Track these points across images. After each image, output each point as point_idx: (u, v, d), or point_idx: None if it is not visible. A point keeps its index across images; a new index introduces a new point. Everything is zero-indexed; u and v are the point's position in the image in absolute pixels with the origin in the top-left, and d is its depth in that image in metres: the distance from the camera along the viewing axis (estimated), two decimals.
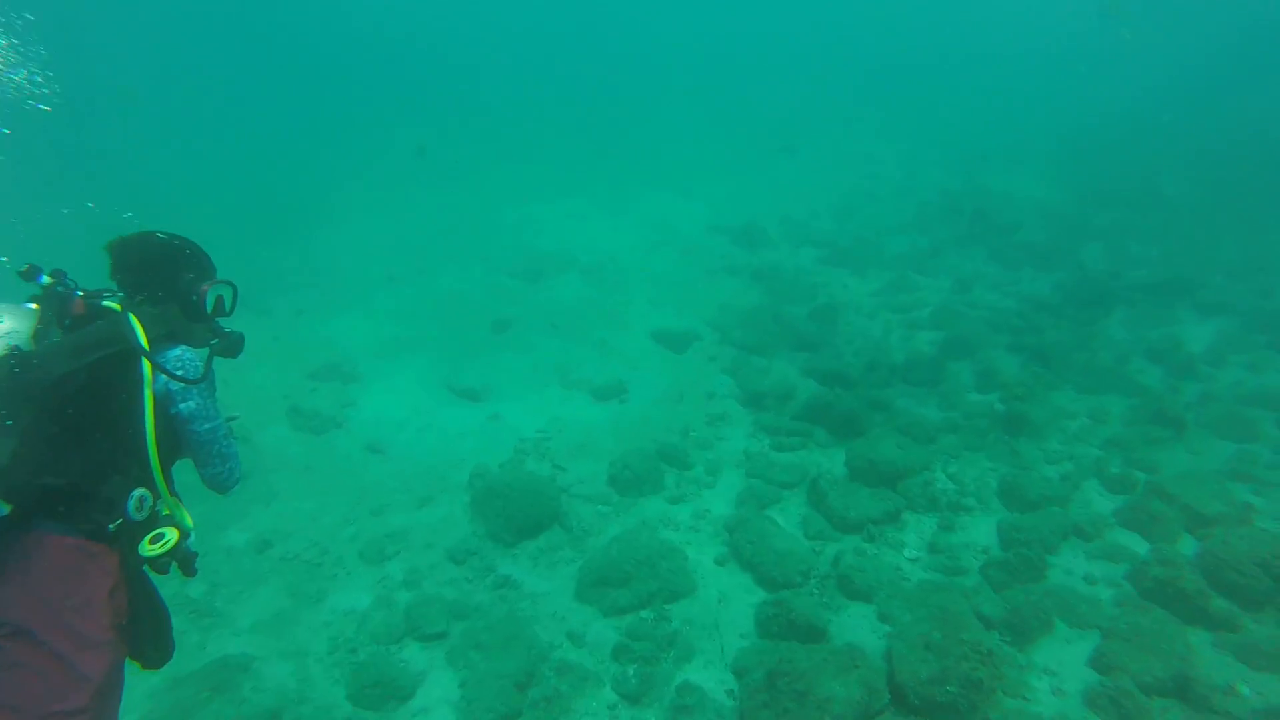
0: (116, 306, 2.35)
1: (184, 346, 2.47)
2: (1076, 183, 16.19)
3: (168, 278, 2.61)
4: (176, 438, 2.47)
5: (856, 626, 5.03)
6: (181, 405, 2.43)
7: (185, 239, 2.73)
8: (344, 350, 9.86)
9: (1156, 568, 5.03)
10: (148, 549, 2.23)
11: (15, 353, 2.07)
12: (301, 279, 12.42)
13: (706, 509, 6.49)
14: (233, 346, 2.69)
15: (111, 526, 2.14)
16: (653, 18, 43.76)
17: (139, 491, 2.24)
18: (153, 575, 2.37)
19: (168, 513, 2.39)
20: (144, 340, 2.26)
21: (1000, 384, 7.82)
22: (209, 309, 2.72)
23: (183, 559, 2.36)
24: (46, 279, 2.39)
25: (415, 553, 6.28)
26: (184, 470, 2.61)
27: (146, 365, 2.26)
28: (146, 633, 2.31)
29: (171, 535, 2.28)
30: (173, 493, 2.40)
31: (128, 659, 2.25)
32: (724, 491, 6.73)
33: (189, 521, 2.45)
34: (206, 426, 2.49)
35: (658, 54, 37.45)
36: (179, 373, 2.37)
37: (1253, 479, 6.10)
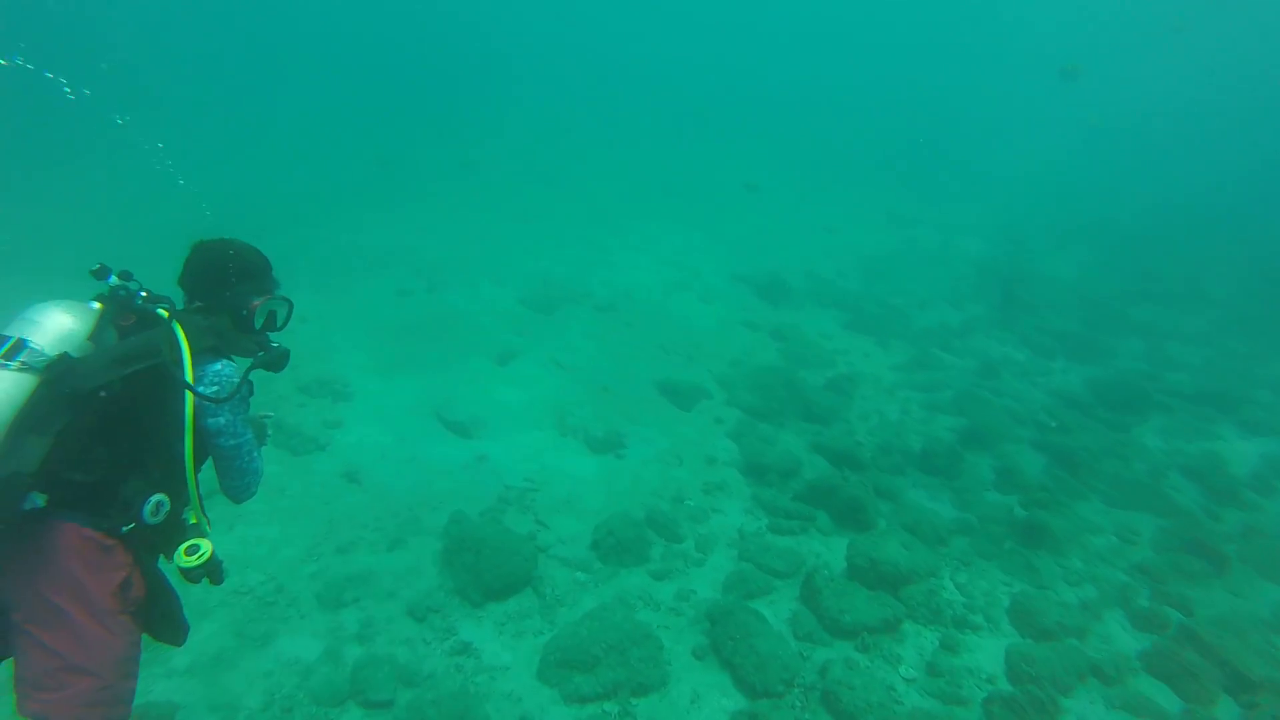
0: (166, 315, 2.43)
1: (224, 361, 2.53)
2: (1119, 272, 15.67)
3: (222, 287, 2.69)
4: (203, 447, 2.53)
5: None
6: (210, 420, 2.49)
7: (252, 250, 2.82)
8: (341, 365, 9.52)
9: None
10: (184, 560, 2.42)
11: (62, 360, 2.19)
12: (309, 281, 12.15)
13: (692, 589, 6.00)
14: (276, 361, 2.76)
15: (125, 529, 2.28)
16: (699, 58, 44.30)
17: (157, 496, 2.35)
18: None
19: (195, 520, 2.55)
20: (187, 355, 2.35)
21: (1021, 486, 7.31)
22: (258, 325, 2.81)
23: (213, 569, 2.51)
24: (115, 279, 2.52)
25: (375, 602, 5.83)
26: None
27: (188, 377, 2.34)
28: (161, 618, 2.47)
29: (206, 549, 2.47)
30: (200, 500, 2.50)
31: (152, 640, 2.48)
32: (712, 572, 6.23)
33: (207, 526, 2.59)
34: (232, 443, 2.56)
35: (700, 89, 37.76)
36: (214, 389, 2.45)
37: None
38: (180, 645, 2.62)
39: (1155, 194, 22.11)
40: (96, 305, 2.42)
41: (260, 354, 2.71)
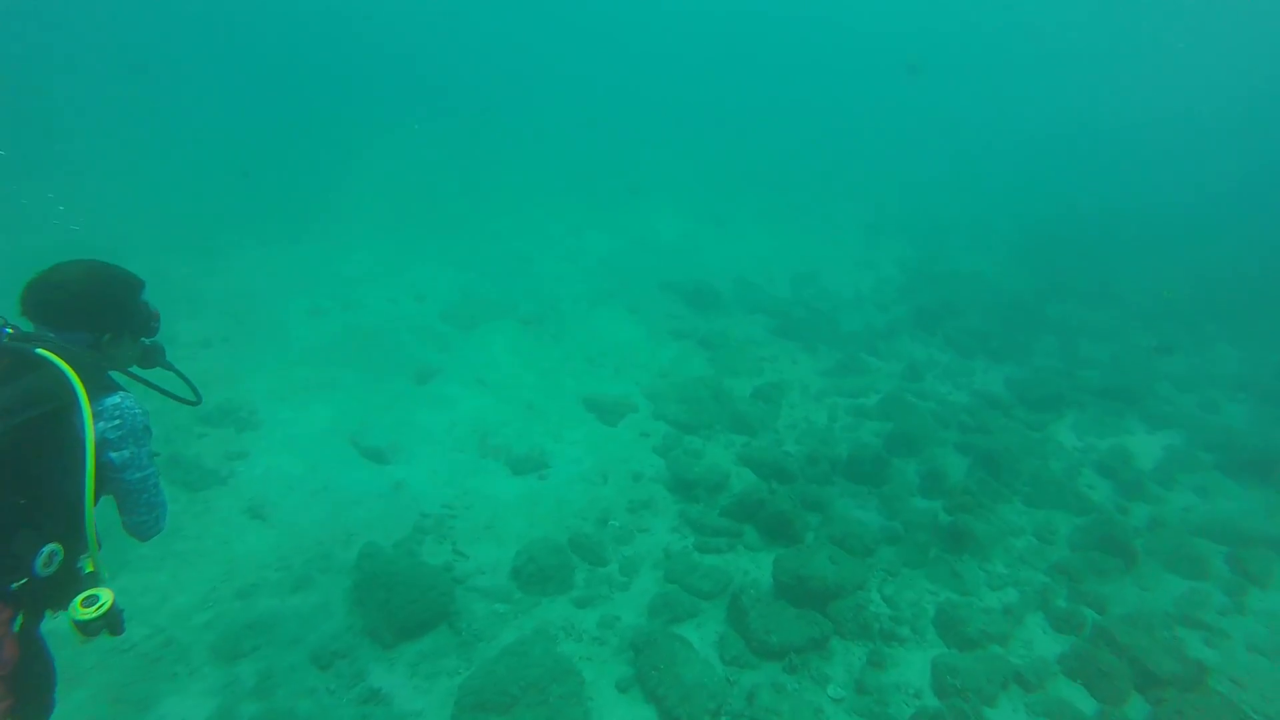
0: (52, 356, 2.23)
1: (120, 393, 2.40)
2: (1035, 270, 16.25)
3: (126, 309, 2.60)
4: (103, 484, 2.39)
5: None
6: (114, 454, 2.36)
7: (103, 262, 2.64)
8: (247, 391, 8.98)
9: None
10: (80, 613, 2.19)
11: None
12: (217, 302, 11.48)
13: (616, 616, 5.79)
14: (162, 356, 2.81)
15: (14, 585, 2.09)
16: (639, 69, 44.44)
17: (50, 547, 2.16)
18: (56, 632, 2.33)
19: (91, 569, 2.33)
20: (84, 395, 2.20)
21: (946, 490, 7.37)
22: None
23: (113, 621, 2.28)
24: None
25: (277, 650, 5.42)
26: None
27: (88, 419, 2.19)
28: (29, 693, 2.24)
29: (107, 598, 2.24)
30: (98, 544, 2.31)
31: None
32: (638, 596, 6.04)
33: (104, 572, 2.39)
34: (138, 475, 2.43)
35: (636, 97, 37.83)
36: (116, 422, 2.35)
37: (1204, 626, 5.67)
38: None
39: (1070, 198, 23.16)
40: None
41: (159, 357, 2.77)
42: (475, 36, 44.24)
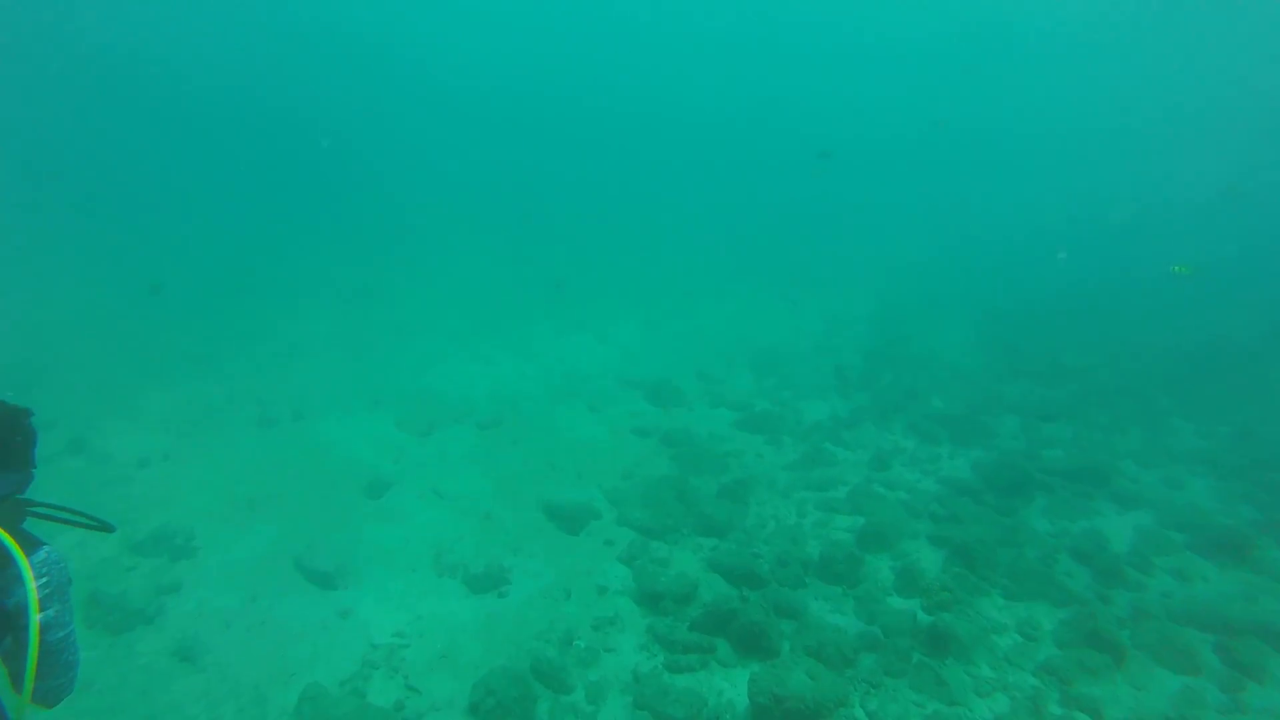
0: None
1: (46, 548, 2.19)
2: (989, 349, 16.57)
3: (29, 441, 2.36)
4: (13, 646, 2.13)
5: None
6: (38, 615, 2.08)
7: None
8: (184, 512, 8.44)
9: None
10: None
11: None
12: (158, 415, 10.99)
13: None
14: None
15: None
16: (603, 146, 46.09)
17: None
18: None
19: None
20: (24, 563, 2.03)
21: (923, 588, 7.09)
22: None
23: None
24: None
25: None
26: None
27: (30, 585, 2.01)
28: None
29: None
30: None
31: None
32: None
33: None
34: (60, 635, 2.19)
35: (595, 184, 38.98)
36: (44, 580, 2.12)
37: None
38: None
39: (1023, 279, 24.04)
40: None
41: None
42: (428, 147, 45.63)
